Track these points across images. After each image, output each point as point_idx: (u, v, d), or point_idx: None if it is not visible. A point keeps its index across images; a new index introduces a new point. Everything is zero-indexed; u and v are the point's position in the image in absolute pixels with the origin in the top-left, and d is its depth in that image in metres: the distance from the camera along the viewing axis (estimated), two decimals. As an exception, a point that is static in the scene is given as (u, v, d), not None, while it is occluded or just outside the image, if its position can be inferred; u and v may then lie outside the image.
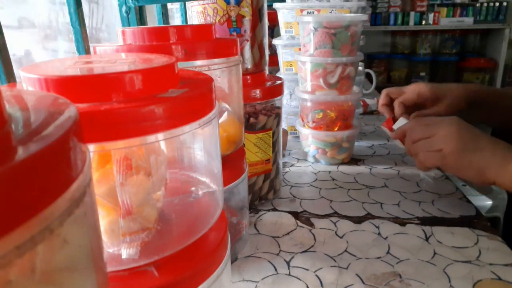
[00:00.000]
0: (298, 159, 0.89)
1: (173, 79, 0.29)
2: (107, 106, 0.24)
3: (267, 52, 0.63)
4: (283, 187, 0.75)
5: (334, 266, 0.51)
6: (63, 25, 0.81)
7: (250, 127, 0.61)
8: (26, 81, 0.25)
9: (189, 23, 0.71)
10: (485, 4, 2.89)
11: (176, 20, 1.16)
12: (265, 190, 0.67)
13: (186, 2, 0.80)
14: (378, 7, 3.04)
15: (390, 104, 0.72)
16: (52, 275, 0.13)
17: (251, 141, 0.61)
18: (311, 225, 0.61)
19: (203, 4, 0.57)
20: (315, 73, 0.80)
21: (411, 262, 0.52)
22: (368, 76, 1.21)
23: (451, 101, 0.68)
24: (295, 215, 0.65)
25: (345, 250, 0.55)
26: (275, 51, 1.04)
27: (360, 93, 0.84)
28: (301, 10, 0.93)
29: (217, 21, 0.57)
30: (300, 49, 0.86)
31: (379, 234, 0.58)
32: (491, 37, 3.09)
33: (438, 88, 0.70)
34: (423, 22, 2.98)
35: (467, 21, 2.92)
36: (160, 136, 0.26)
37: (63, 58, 0.33)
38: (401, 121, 0.67)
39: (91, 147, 0.25)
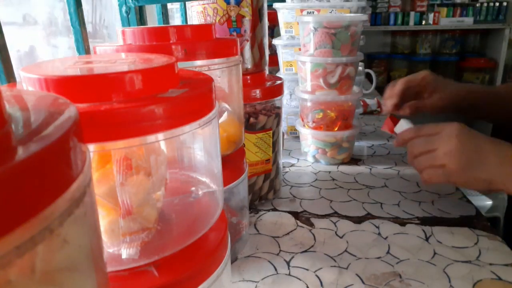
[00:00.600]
0: (298, 159, 0.89)
1: (173, 79, 0.29)
2: (107, 106, 0.24)
3: (267, 52, 0.63)
4: (283, 187, 0.75)
5: (334, 266, 0.51)
6: (68, 22, 0.82)
7: (250, 127, 0.61)
8: (26, 81, 0.25)
9: (189, 23, 0.71)
10: (485, 4, 2.88)
11: (176, 20, 1.16)
12: (265, 190, 0.67)
13: (186, 2, 0.80)
14: (378, 7, 3.04)
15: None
16: (52, 275, 0.13)
17: (251, 141, 0.61)
18: (311, 225, 0.61)
19: (203, 4, 0.57)
20: (315, 73, 0.80)
21: (411, 262, 0.52)
22: (368, 76, 1.21)
23: (446, 95, 0.70)
24: (295, 215, 0.65)
25: (345, 250, 0.55)
26: (275, 51, 1.04)
27: (360, 93, 0.84)
28: (301, 10, 0.93)
29: (217, 21, 0.57)
30: (300, 49, 0.86)
31: (379, 234, 0.58)
32: (491, 37, 3.08)
33: (440, 79, 0.72)
34: (423, 22, 2.97)
35: (467, 21, 2.92)
36: (160, 136, 0.26)
37: (63, 58, 0.33)
38: (402, 125, 0.66)
39: (91, 147, 0.25)
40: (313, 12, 0.92)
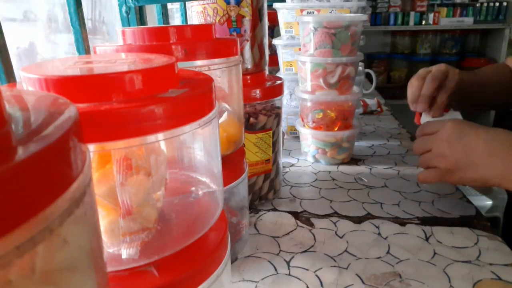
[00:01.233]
0: (298, 159, 0.89)
1: (173, 79, 0.29)
2: (107, 106, 0.24)
3: (267, 52, 0.63)
4: (283, 187, 0.75)
5: (334, 266, 0.51)
6: (68, 19, 0.82)
7: (250, 127, 0.61)
8: (26, 81, 0.25)
9: (189, 23, 0.71)
10: (485, 4, 2.88)
11: (176, 20, 1.16)
12: (265, 190, 0.67)
13: (186, 2, 0.79)
14: (378, 7, 3.04)
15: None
16: (52, 275, 0.13)
17: (251, 141, 0.61)
18: (311, 225, 0.61)
19: (203, 4, 0.57)
20: (315, 73, 0.80)
21: (411, 262, 0.52)
22: (368, 76, 1.21)
23: (447, 89, 0.68)
24: (295, 215, 0.65)
25: (345, 250, 0.55)
26: (275, 51, 1.04)
27: (360, 93, 0.84)
28: (301, 10, 0.93)
29: (217, 21, 0.57)
30: (300, 49, 0.86)
31: (379, 234, 0.58)
32: (491, 37, 3.08)
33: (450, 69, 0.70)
34: (423, 22, 2.97)
35: (467, 21, 2.92)
36: (160, 136, 0.26)
37: (63, 58, 0.33)
38: (425, 117, 0.68)
39: (91, 147, 0.25)
40: (313, 12, 0.92)
